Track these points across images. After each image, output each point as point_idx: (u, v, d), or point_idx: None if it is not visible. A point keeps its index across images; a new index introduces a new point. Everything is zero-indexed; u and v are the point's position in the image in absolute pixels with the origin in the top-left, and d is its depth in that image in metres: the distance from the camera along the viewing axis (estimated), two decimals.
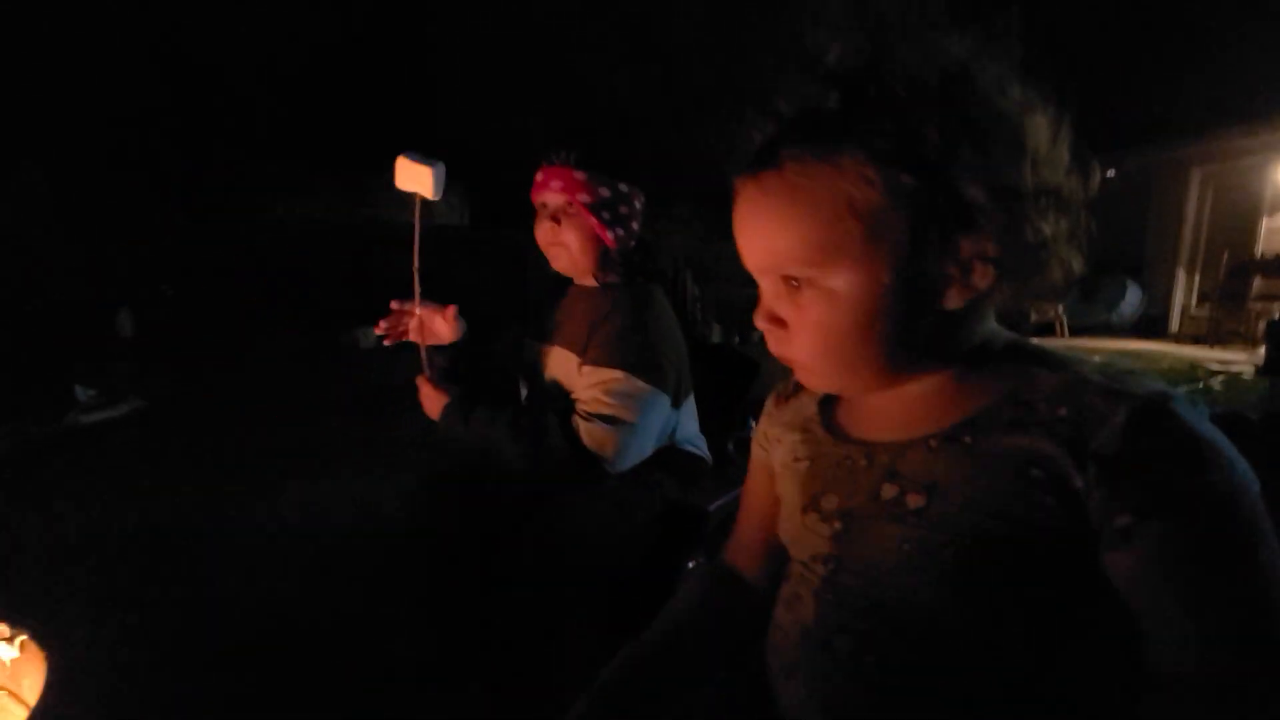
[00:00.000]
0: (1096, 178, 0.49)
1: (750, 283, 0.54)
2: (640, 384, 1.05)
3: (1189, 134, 9.19)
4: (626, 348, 1.07)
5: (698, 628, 0.66)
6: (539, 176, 1.15)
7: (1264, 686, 0.40)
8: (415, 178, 1.10)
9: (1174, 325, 9.55)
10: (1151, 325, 9.60)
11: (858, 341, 0.48)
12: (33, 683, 0.83)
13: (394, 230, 10.43)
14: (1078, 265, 0.48)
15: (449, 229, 13.19)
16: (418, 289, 1.22)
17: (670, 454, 1.23)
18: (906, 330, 0.48)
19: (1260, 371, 5.38)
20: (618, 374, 1.05)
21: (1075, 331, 9.28)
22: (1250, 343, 7.30)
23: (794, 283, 0.49)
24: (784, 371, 0.60)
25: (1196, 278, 9.51)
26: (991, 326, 0.52)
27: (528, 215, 1.20)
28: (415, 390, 1.28)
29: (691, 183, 5.61)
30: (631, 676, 0.61)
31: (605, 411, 1.04)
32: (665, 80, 5.47)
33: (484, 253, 9.88)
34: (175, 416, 3.81)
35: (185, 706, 1.29)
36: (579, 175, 1.12)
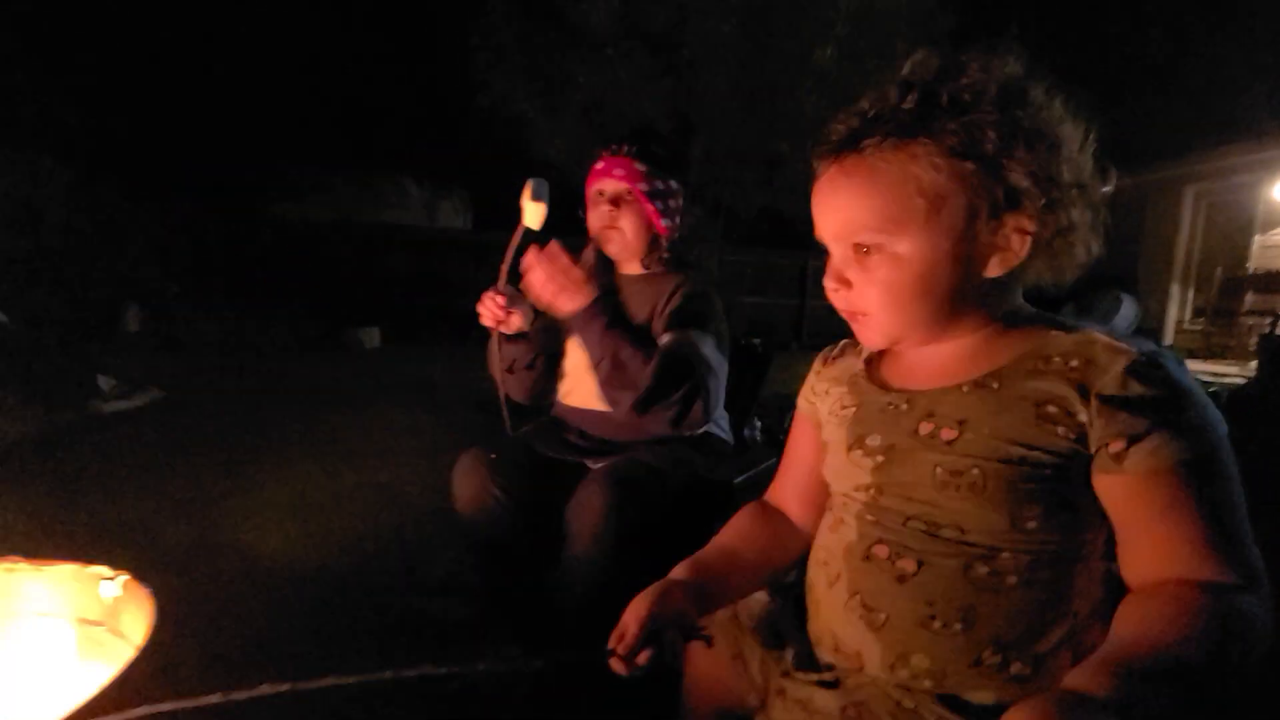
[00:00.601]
0: (1113, 180, 0.61)
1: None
2: (712, 344, 1.16)
3: (1182, 153, 9.38)
4: (704, 312, 1.18)
5: (745, 547, 0.78)
6: (599, 164, 1.25)
7: (1222, 584, 0.50)
8: (529, 202, 1.17)
9: (1168, 339, 9.69)
10: (1145, 339, 9.73)
11: (917, 296, 0.59)
12: (132, 619, 0.92)
13: (397, 232, 10.53)
14: (1096, 248, 0.60)
15: (452, 232, 13.32)
16: (503, 279, 1.25)
17: (697, 435, 1.32)
18: (957, 289, 0.58)
19: (1252, 385, 5.49)
20: (703, 333, 1.15)
21: None
22: (1243, 357, 7.43)
23: (863, 249, 0.59)
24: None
25: (1190, 293, 9.67)
26: (1019, 300, 0.63)
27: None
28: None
29: (700, 191, 5.73)
30: (692, 578, 0.72)
31: (711, 361, 1.13)
32: (680, 93, 5.61)
33: (486, 255, 9.99)
34: (192, 407, 3.89)
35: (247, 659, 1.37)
36: (640, 166, 1.22)
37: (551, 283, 1.11)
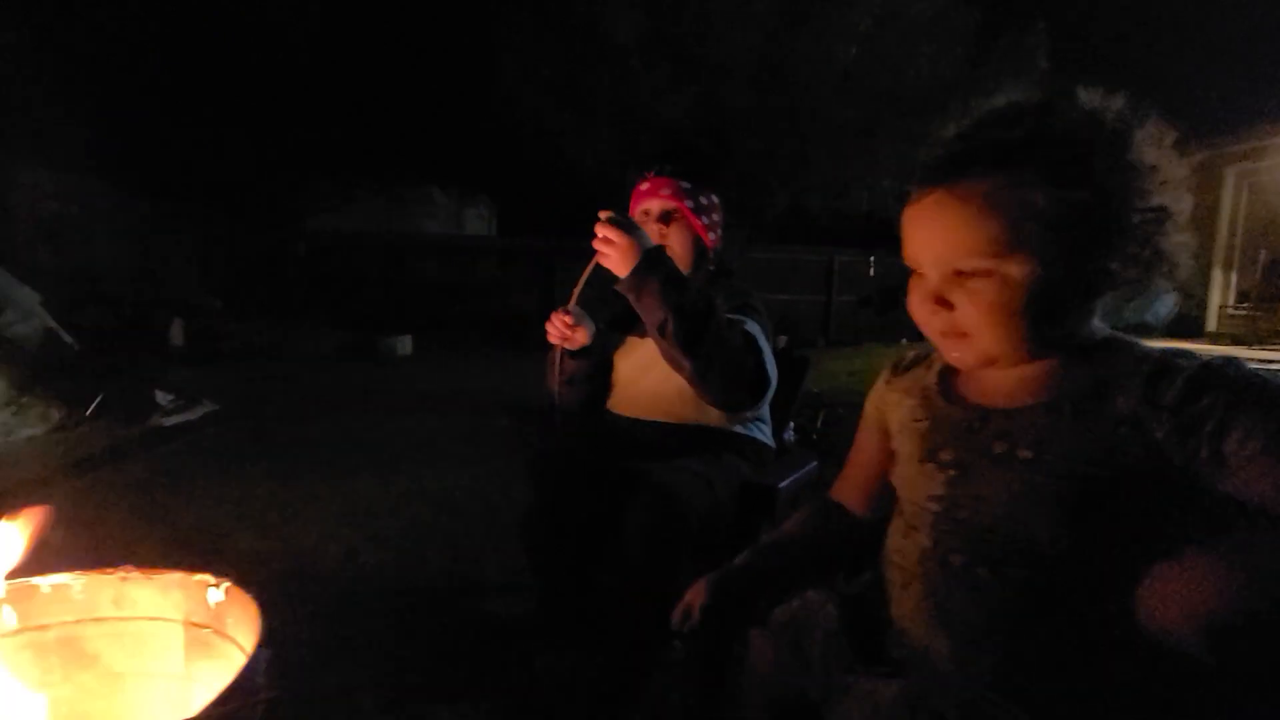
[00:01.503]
0: (1190, 205, 0.63)
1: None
2: (759, 331, 1.21)
3: (1222, 133, 9.09)
4: (747, 305, 1.24)
5: (807, 540, 0.84)
6: (644, 185, 1.31)
7: None
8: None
9: (1211, 325, 9.41)
10: (1187, 326, 9.47)
11: (1022, 317, 0.60)
12: (236, 622, 1.01)
13: (425, 241, 10.77)
14: (1184, 274, 0.63)
15: (478, 238, 13.56)
16: (574, 300, 1.29)
17: (742, 441, 1.38)
18: (1060, 311, 0.61)
19: None
20: (748, 320, 1.20)
21: None
22: None
23: (963, 273, 0.61)
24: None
25: (1233, 277, 9.36)
26: (1096, 322, 0.65)
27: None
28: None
29: (728, 194, 5.76)
30: (752, 565, 0.79)
31: (759, 340, 1.17)
32: (705, 97, 5.65)
33: (511, 260, 10.20)
34: (242, 418, 4.06)
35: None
36: (684, 184, 1.28)
37: (601, 244, 1.09)
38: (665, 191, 1.30)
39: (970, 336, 0.63)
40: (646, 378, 1.38)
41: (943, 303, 0.63)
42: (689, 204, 1.29)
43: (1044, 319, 0.61)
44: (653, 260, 1.09)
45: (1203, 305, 9.58)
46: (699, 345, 1.09)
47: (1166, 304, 9.49)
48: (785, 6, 5.41)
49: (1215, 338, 8.92)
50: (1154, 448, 0.56)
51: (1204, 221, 9.47)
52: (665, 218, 1.32)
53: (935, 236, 0.63)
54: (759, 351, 1.17)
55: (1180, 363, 0.58)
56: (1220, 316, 9.34)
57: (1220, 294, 9.50)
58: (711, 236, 1.33)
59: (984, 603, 0.62)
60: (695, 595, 0.75)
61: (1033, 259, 0.58)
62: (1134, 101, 0.60)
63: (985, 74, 5.66)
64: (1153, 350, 0.61)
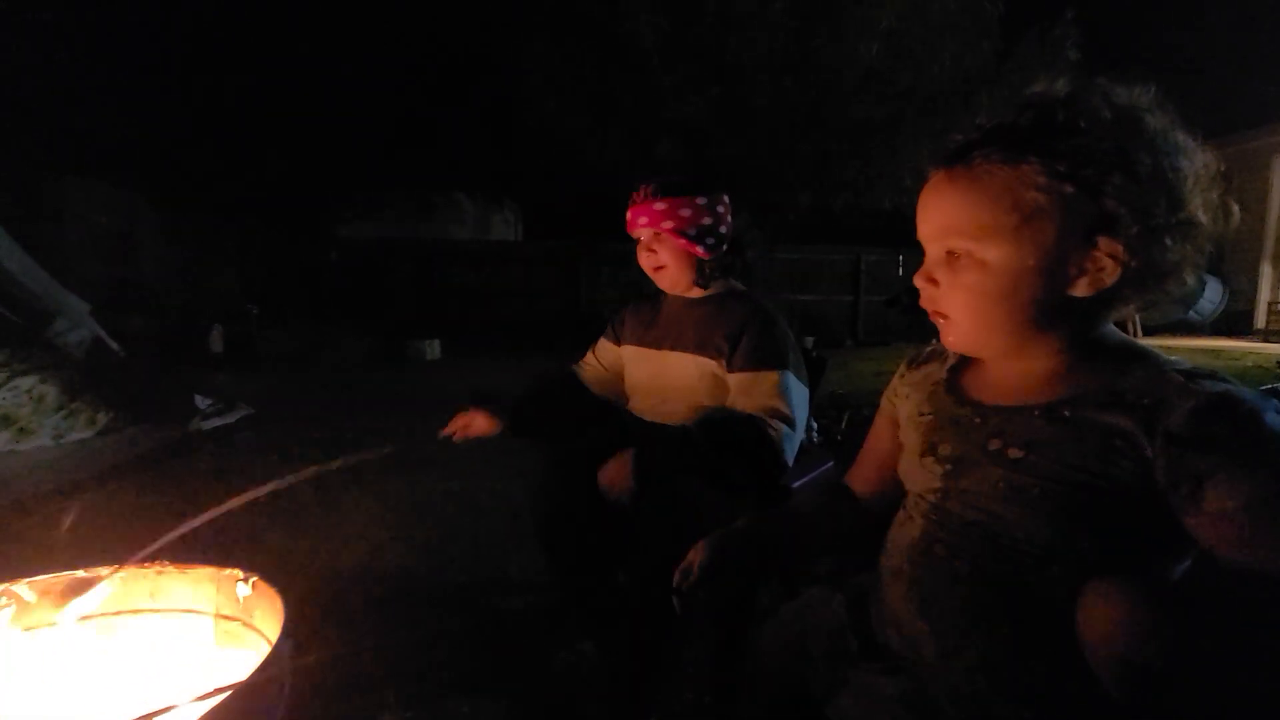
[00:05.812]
0: (1235, 218, 0.60)
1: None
2: (794, 379, 1.23)
3: (1269, 119, 8.74)
4: (779, 349, 1.25)
5: (812, 516, 0.88)
6: (628, 215, 1.33)
7: None
8: None
9: (1259, 321, 9.03)
10: (1234, 322, 9.10)
11: (998, 305, 0.61)
12: (263, 614, 1.05)
13: (453, 246, 10.89)
14: (1193, 283, 0.61)
15: (504, 243, 13.73)
16: None
17: None
18: (1038, 304, 0.60)
19: None
20: (778, 374, 1.22)
21: (1150, 331, 8.82)
22: None
23: (954, 255, 0.63)
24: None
25: None
26: (1109, 328, 0.64)
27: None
28: (479, 399, 1.49)
29: (750, 194, 5.76)
30: (754, 528, 0.83)
31: (785, 411, 1.19)
32: (726, 100, 5.64)
33: (537, 263, 10.31)
34: (277, 421, 4.19)
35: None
36: (659, 205, 1.28)
37: (603, 477, 1.23)
38: (643, 220, 1.31)
39: (950, 319, 0.65)
40: (657, 391, 1.40)
41: (932, 281, 0.65)
42: (668, 225, 1.29)
43: (1021, 310, 0.61)
44: (644, 465, 1.20)
45: (1251, 300, 9.21)
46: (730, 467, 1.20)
47: (1212, 300, 9.13)
48: (805, 5, 5.37)
49: (1264, 335, 8.56)
50: (1144, 465, 0.55)
51: (1250, 213, 9.10)
52: (651, 244, 1.33)
53: (928, 216, 0.65)
54: (781, 451, 1.20)
55: (1194, 387, 0.55)
56: (1269, 313, 8.96)
57: (1269, 289, 9.13)
58: (700, 247, 1.30)
59: (962, 595, 0.63)
60: (696, 553, 0.79)
61: (1007, 247, 0.59)
62: (1158, 99, 0.58)
63: (1012, 67, 5.55)
64: (1169, 367, 0.59)
